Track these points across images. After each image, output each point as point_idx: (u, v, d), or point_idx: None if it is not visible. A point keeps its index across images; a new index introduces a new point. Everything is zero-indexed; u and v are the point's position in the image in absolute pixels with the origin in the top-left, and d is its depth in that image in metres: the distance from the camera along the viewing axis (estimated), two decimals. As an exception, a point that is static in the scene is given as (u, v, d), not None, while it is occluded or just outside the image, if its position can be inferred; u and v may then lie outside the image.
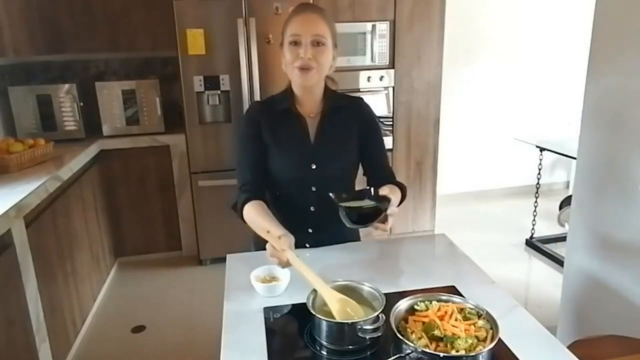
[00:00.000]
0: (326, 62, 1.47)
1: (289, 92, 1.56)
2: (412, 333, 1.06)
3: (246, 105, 3.24)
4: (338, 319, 1.12)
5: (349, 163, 1.60)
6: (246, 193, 1.50)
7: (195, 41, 3.09)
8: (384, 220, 1.30)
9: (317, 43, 1.43)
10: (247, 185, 1.53)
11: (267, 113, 1.56)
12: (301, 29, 1.42)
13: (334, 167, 1.56)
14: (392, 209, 1.30)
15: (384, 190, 1.32)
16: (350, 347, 1.09)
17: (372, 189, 1.34)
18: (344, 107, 1.58)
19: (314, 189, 1.54)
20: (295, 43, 1.43)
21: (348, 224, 1.29)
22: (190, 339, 2.70)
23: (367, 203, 1.32)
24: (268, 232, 1.32)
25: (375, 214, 1.28)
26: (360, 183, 1.63)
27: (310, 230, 1.59)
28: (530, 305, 2.97)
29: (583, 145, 2.09)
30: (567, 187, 4.91)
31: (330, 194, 1.32)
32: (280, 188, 1.58)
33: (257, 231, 1.43)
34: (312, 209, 1.56)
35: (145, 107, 3.34)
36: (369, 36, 3.40)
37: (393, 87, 3.51)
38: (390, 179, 1.58)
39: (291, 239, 1.28)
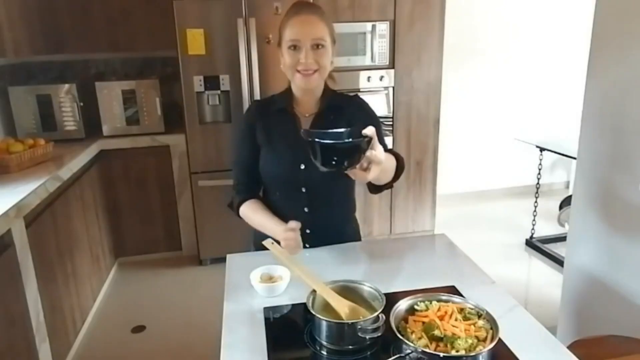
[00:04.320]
0: (327, 63, 1.46)
1: (288, 92, 1.55)
2: (412, 333, 1.06)
3: (246, 105, 3.24)
4: None
5: None
6: (240, 194, 1.59)
7: (195, 41, 3.09)
8: (366, 168, 1.12)
9: (317, 46, 1.41)
10: (241, 185, 1.60)
11: (264, 113, 1.57)
12: (300, 33, 1.40)
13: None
14: (372, 153, 1.09)
15: (368, 130, 1.08)
16: (350, 347, 1.09)
17: (351, 128, 1.11)
18: (342, 106, 1.55)
19: (303, 190, 1.52)
20: (295, 47, 1.42)
21: (320, 165, 1.10)
22: (190, 339, 2.70)
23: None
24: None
25: (352, 154, 1.08)
26: (360, 193, 1.62)
27: (307, 231, 1.57)
28: (530, 305, 2.96)
29: (583, 145, 2.09)
30: (567, 187, 4.91)
31: (302, 129, 1.24)
32: (274, 189, 1.58)
33: (256, 228, 1.52)
34: (305, 209, 1.54)
35: (145, 107, 3.34)
36: (369, 36, 3.40)
37: (393, 87, 3.51)
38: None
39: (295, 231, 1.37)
